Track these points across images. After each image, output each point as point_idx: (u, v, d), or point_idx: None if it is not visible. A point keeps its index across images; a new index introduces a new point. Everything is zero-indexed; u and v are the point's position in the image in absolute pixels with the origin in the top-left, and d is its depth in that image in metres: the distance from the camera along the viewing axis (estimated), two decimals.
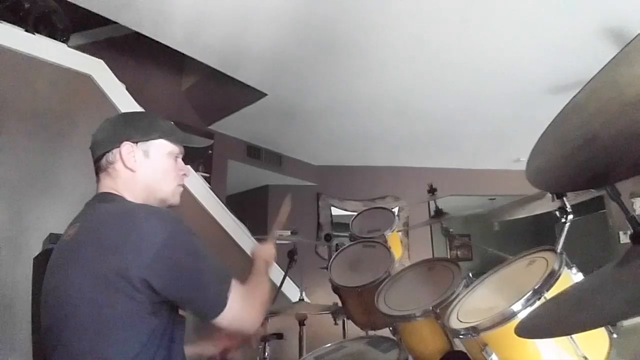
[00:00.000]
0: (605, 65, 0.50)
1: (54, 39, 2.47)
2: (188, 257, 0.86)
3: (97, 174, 1.02)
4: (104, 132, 1.03)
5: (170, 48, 3.23)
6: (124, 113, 1.13)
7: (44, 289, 0.91)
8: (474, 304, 1.07)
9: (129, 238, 0.82)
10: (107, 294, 0.79)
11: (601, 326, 0.82)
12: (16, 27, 2.31)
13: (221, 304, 0.87)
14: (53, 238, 1.32)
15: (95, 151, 1.01)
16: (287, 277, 2.35)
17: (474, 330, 0.91)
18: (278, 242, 1.38)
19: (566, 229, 1.17)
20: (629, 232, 0.61)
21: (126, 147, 0.98)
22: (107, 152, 0.99)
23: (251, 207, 5.58)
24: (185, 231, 0.88)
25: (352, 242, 1.94)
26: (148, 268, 0.79)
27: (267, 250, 1.24)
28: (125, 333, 0.79)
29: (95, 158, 1.01)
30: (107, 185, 0.99)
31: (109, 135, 1.01)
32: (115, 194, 0.97)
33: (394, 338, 1.30)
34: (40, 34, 2.41)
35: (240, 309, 0.90)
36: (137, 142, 1.00)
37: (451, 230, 2.18)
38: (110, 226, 0.86)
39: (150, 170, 1.00)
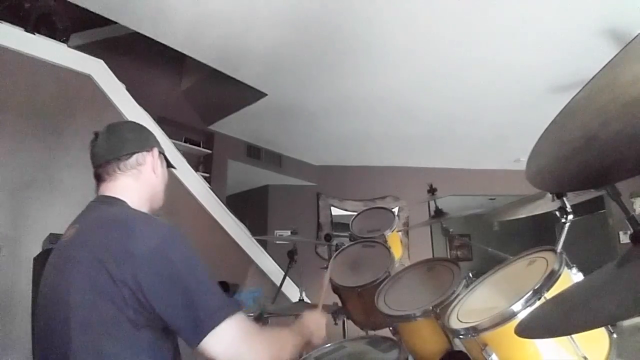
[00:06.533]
0: (605, 65, 0.50)
1: (54, 39, 2.48)
2: (179, 270, 0.80)
3: (112, 171, 0.99)
4: (135, 133, 1.05)
5: (170, 48, 3.23)
6: (143, 125, 1.14)
7: (41, 290, 0.90)
8: (474, 304, 1.07)
9: (121, 245, 0.80)
10: (97, 300, 0.78)
11: (601, 326, 0.82)
12: (16, 27, 2.31)
13: (209, 325, 0.78)
14: (53, 238, 1.32)
15: (122, 148, 1.01)
16: (287, 277, 2.35)
17: (474, 330, 0.91)
18: (278, 242, 1.34)
19: (566, 229, 1.17)
20: (629, 232, 0.61)
21: (155, 153, 1.06)
22: (138, 152, 1.02)
23: (251, 207, 5.58)
24: (180, 244, 0.84)
25: (352, 242, 1.94)
26: (135, 277, 0.77)
27: (317, 322, 1.12)
28: (110, 342, 0.77)
29: (121, 155, 1.00)
30: (118, 185, 0.99)
31: (141, 137, 1.06)
32: (118, 198, 0.97)
33: (394, 338, 1.30)
34: (40, 34, 2.41)
35: (239, 343, 0.81)
36: (160, 153, 1.09)
37: (451, 230, 2.18)
38: (106, 231, 0.85)
39: (161, 180, 1.08)
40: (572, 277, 0.92)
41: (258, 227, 5.14)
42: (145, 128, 1.10)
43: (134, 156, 1.01)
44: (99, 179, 1.00)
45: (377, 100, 4.02)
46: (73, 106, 2.46)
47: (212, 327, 0.78)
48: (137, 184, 1.01)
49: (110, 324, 0.77)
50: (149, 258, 0.79)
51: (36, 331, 0.89)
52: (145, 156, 1.03)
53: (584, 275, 0.89)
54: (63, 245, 0.91)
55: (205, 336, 0.78)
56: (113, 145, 1.01)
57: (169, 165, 1.16)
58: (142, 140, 1.05)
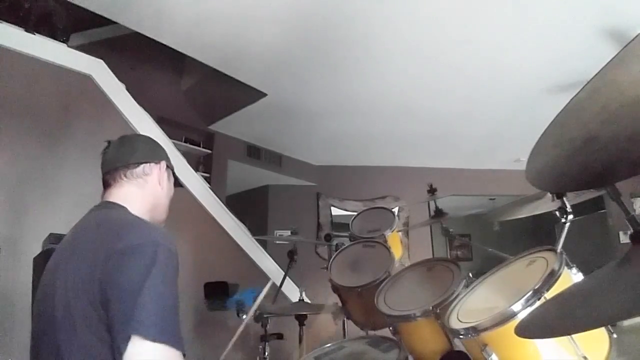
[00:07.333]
0: (605, 65, 0.50)
1: (54, 39, 2.47)
2: (146, 277, 0.74)
3: (118, 178, 1.01)
4: (146, 145, 1.09)
5: (170, 48, 3.23)
6: (155, 140, 1.16)
7: (38, 292, 0.90)
8: (474, 304, 1.07)
9: (108, 245, 0.79)
10: (80, 301, 0.77)
11: (601, 326, 0.82)
12: (16, 27, 2.31)
13: (137, 329, 0.70)
14: (53, 238, 1.32)
15: (131, 157, 1.03)
16: (287, 277, 2.35)
17: (474, 330, 0.91)
18: (278, 242, 1.34)
19: (566, 229, 1.17)
20: (629, 232, 0.61)
21: (163, 166, 1.09)
22: (146, 162, 1.04)
23: (251, 207, 5.58)
24: (164, 259, 0.78)
25: (352, 242, 1.94)
26: (106, 271, 0.75)
27: None
28: (96, 343, 0.76)
29: (129, 163, 1.02)
30: (122, 192, 0.99)
31: (150, 149, 1.09)
32: (119, 204, 0.97)
33: (394, 338, 1.30)
34: (40, 34, 2.41)
35: None
36: (167, 166, 1.11)
37: (451, 230, 2.18)
38: (97, 233, 0.86)
39: (166, 193, 1.11)
40: (572, 277, 0.92)
41: (258, 227, 5.13)
42: (157, 142, 1.13)
43: (142, 166, 1.03)
44: (106, 185, 1.02)
45: (377, 100, 4.02)
46: (73, 106, 2.45)
47: (140, 334, 0.70)
48: (141, 193, 1.02)
49: (95, 326, 0.76)
50: (123, 253, 0.76)
51: (35, 334, 0.89)
52: (152, 167, 1.06)
53: (584, 275, 0.89)
54: (61, 248, 0.92)
55: (131, 334, 0.70)
56: (123, 153, 1.04)
57: (177, 183, 1.17)
58: (152, 152, 1.08)
